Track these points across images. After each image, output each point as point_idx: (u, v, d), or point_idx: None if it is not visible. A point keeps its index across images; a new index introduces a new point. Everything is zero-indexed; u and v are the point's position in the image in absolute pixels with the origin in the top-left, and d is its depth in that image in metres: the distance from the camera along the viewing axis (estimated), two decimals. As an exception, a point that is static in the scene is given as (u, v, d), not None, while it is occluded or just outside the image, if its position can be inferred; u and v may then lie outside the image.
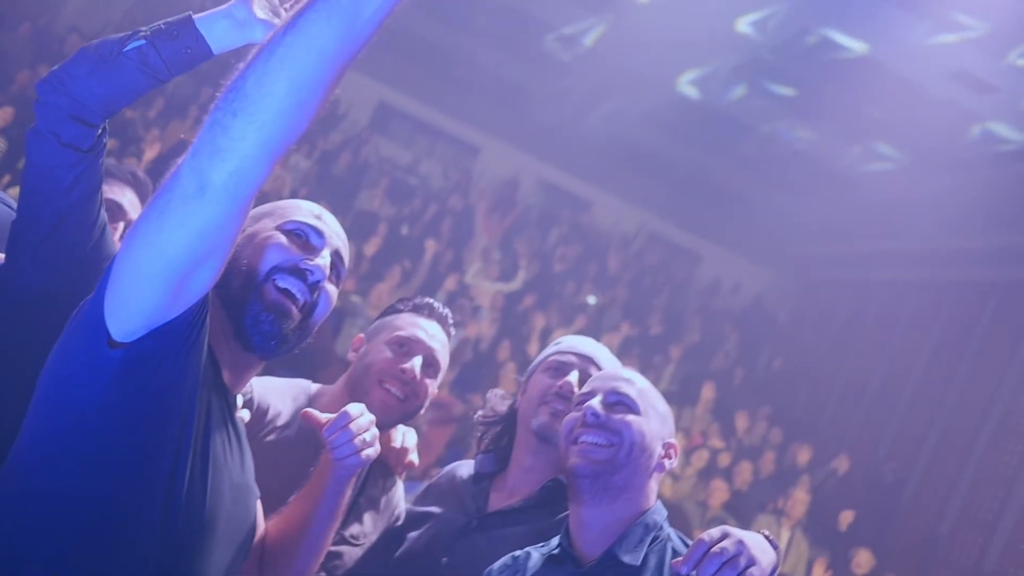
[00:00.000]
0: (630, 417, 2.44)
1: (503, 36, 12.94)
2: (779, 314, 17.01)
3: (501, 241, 14.76)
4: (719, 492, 9.83)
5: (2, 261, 2.46)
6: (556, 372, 2.91)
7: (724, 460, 10.86)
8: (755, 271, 17.54)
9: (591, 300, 14.07)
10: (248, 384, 2.69)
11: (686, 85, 12.57)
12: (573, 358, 2.92)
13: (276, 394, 2.87)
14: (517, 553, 2.51)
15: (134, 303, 1.69)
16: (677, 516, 8.98)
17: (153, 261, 1.65)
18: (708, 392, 12.46)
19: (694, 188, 15.65)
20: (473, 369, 10.72)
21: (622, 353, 12.74)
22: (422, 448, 8.09)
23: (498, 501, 2.87)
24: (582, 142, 15.10)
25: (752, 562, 2.05)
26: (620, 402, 2.46)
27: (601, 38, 11.93)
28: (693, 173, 15.21)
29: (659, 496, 2.55)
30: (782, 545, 6.23)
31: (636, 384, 2.53)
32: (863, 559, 9.25)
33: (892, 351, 13.44)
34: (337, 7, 1.50)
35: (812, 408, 14.18)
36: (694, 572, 2.05)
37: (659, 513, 2.45)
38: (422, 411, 2.94)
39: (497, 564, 2.51)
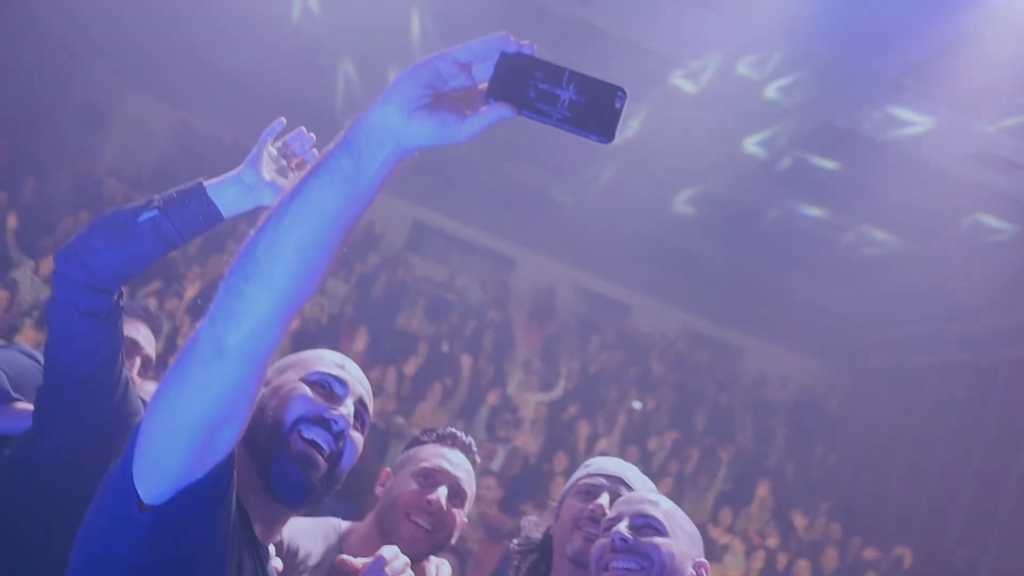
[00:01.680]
0: (658, 539, 2.41)
1: (528, 149, 13.15)
2: (830, 405, 16.78)
3: (542, 351, 14.75)
4: (781, 594, 9.59)
5: (27, 410, 2.53)
6: (587, 495, 2.89)
7: (782, 561, 10.60)
8: (801, 362, 17.39)
9: (636, 405, 13.97)
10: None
11: (716, 184, 12.71)
12: (603, 480, 2.90)
13: (306, 535, 2.87)
14: None
15: (161, 466, 1.70)
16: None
17: (177, 425, 1.66)
18: (763, 491, 12.25)
19: (732, 284, 15.64)
20: (522, 483, 10.63)
21: (672, 456, 12.60)
22: (475, 568, 7.99)
23: None
24: (617, 247, 15.23)
25: None
26: (647, 525, 2.44)
27: (630, 140, 12.11)
28: (729, 269, 15.23)
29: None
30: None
31: (662, 506, 2.51)
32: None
33: (949, 433, 13.18)
34: (340, 172, 1.52)
35: (872, 499, 13.86)
36: None
37: None
38: (453, 540, 2.92)
39: None
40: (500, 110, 1.47)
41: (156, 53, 13.90)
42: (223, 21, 12.21)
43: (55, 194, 13.24)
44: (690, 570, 2.44)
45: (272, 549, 2.20)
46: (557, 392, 13.32)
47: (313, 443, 2.05)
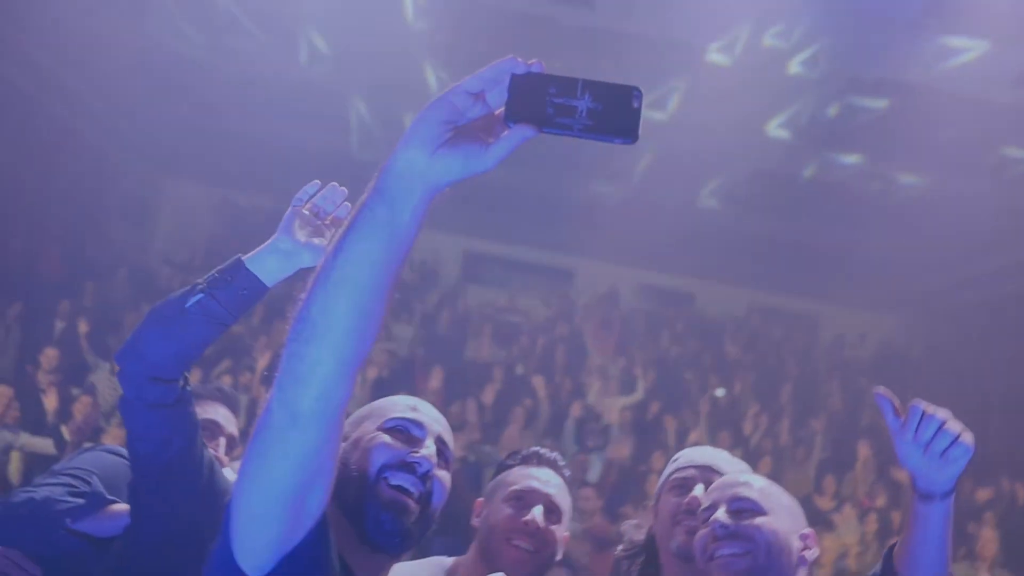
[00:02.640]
0: (758, 520, 2.38)
1: (567, 159, 13.16)
2: (912, 353, 16.48)
3: (615, 355, 14.70)
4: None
5: (124, 510, 2.59)
6: (681, 489, 2.87)
7: (896, 519, 10.42)
8: (876, 318, 17.12)
9: (719, 392, 13.85)
10: None
11: (755, 157, 12.62)
12: (693, 471, 2.88)
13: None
14: None
15: (259, 539, 1.74)
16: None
17: (266, 497, 1.69)
18: (864, 451, 12.05)
19: (791, 253, 15.47)
20: (621, 489, 10.59)
21: (764, 435, 12.47)
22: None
23: None
24: (669, 237, 15.11)
25: (961, 429, 2.18)
26: (744, 507, 2.42)
27: (673, 114, 12.06)
28: (786, 240, 15.08)
29: (846, 569, 2.50)
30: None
31: (756, 485, 2.49)
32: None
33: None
34: (377, 222, 1.54)
35: (974, 440, 13.56)
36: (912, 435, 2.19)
37: None
38: (558, 556, 2.92)
39: None
40: (521, 131, 1.47)
41: (186, 137, 14.16)
42: (241, 90, 12.44)
43: (115, 292, 13.53)
44: (796, 543, 2.41)
45: None
46: (638, 394, 13.26)
47: (401, 488, 2.07)
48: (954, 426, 2.20)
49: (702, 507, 2.54)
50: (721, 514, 2.41)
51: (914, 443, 2.22)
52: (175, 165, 16.08)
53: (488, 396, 11.82)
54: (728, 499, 2.45)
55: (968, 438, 2.20)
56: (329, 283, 1.57)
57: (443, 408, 11.54)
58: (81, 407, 9.16)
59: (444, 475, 2.18)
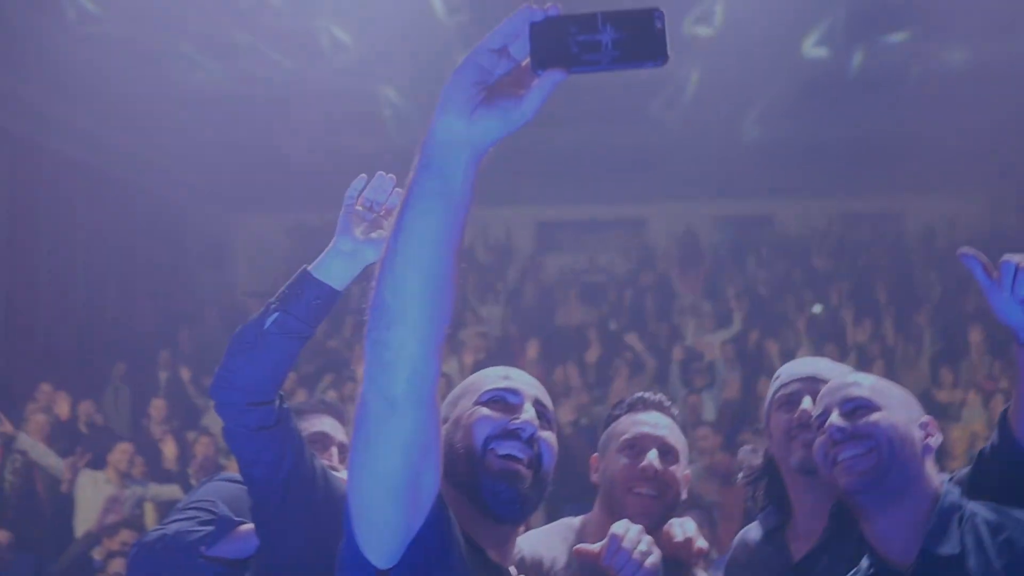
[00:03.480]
0: (874, 416, 2.34)
1: (610, 105, 13.03)
2: (1005, 231, 16.00)
3: (704, 292, 14.59)
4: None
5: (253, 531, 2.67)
6: (789, 405, 2.85)
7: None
8: (962, 203, 16.61)
9: (816, 309, 13.64)
10: (515, 547, 2.77)
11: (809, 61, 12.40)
12: (798, 384, 2.86)
13: (545, 543, 2.89)
14: None
15: (381, 529, 1.76)
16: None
17: (380, 487, 1.72)
18: (975, 336, 11.77)
19: (860, 152, 15.05)
20: (737, 422, 10.53)
21: (871, 340, 12.26)
22: (724, 515, 7.94)
23: (799, 549, 2.81)
24: (736, 161, 14.88)
25: None
26: (857, 406, 2.37)
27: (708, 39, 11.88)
28: (851, 139, 14.70)
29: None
30: None
31: (865, 383, 2.44)
32: None
33: None
34: (430, 195, 1.55)
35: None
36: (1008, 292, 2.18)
37: (952, 493, 2.34)
38: (683, 496, 2.91)
39: None
40: (551, 77, 1.47)
41: (241, 169, 14.35)
42: (278, 111, 12.58)
43: (208, 334, 13.84)
44: (917, 432, 2.37)
45: (513, 570, 2.26)
46: (735, 325, 13.15)
47: (510, 456, 2.08)
48: None
49: (814, 416, 2.51)
50: (835, 417, 2.37)
51: (1012, 299, 2.18)
52: (238, 200, 16.35)
53: (591, 357, 11.80)
54: (839, 401, 2.41)
55: None
56: (396, 266, 1.59)
57: (544, 377, 11.68)
58: (202, 447, 9.40)
59: (549, 435, 2.19)
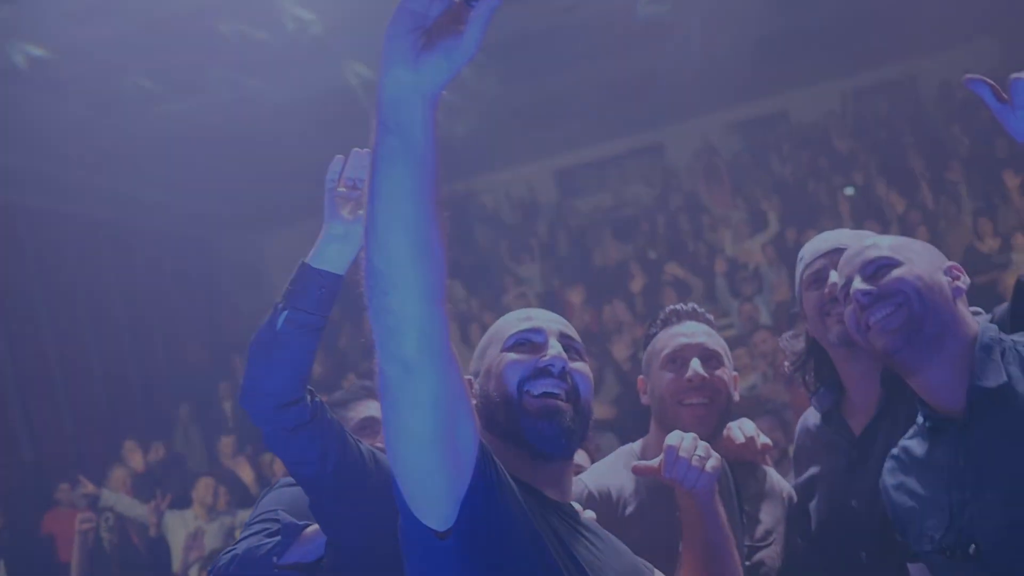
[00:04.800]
0: (896, 272, 2.32)
1: (601, 39, 12.88)
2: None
3: (734, 201, 14.45)
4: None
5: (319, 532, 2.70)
6: (817, 283, 2.85)
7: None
8: (975, 51, 16.23)
9: (848, 192, 13.45)
10: (580, 484, 2.78)
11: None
12: (822, 261, 2.85)
13: (609, 474, 2.92)
14: (894, 452, 2.42)
15: (429, 492, 1.77)
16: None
17: (416, 449, 1.72)
18: (1011, 181, 11.56)
19: (855, 24, 14.73)
20: (793, 321, 10.43)
21: (908, 208, 12.09)
22: (797, 413, 7.92)
23: (859, 423, 2.80)
24: (738, 65, 14.64)
25: None
26: (878, 267, 2.35)
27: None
28: (848, 14, 14.38)
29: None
30: None
31: (883, 243, 2.42)
32: None
33: None
34: (393, 154, 1.54)
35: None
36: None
37: (989, 330, 2.30)
38: (735, 397, 2.90)
39: (885, 471, 2.43)
40: (487, 4, 1.46)
41: (259, 184, 14.39)
42: (273, 123, 12.58)
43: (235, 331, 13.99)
44: (943, 278, 2.34)
45: (577, 505, 2.26)
46: (772, 227, 13.03)
47: (546, 394, 2.10)
48: None
49: (840, 288, 2.48)
50: (858, 283, 2.35)
51: None
52: (261, 220, 16.43)
53: (635, 287, 11.75)
54: (860, 267, 2.38)
55: None
56: (378, 231, 1.59)
57: (594, 320, 11.66)
58: (280, 465, 9.47)
59: (581, 366, 2.20)
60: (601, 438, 7.01)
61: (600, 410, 9.40)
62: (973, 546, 2.09)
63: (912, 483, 2.33)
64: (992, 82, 2.19)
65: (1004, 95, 2.17)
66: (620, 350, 9.55)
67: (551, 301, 12.60)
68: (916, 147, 13.97)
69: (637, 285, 11.82)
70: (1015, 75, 2.14)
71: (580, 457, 3.62)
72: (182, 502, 9.34)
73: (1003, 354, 2.24)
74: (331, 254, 2.59)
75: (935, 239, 11.14)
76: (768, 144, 16.13)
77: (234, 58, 11.32)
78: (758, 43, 14.21)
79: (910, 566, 2.42)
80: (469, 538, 1.79)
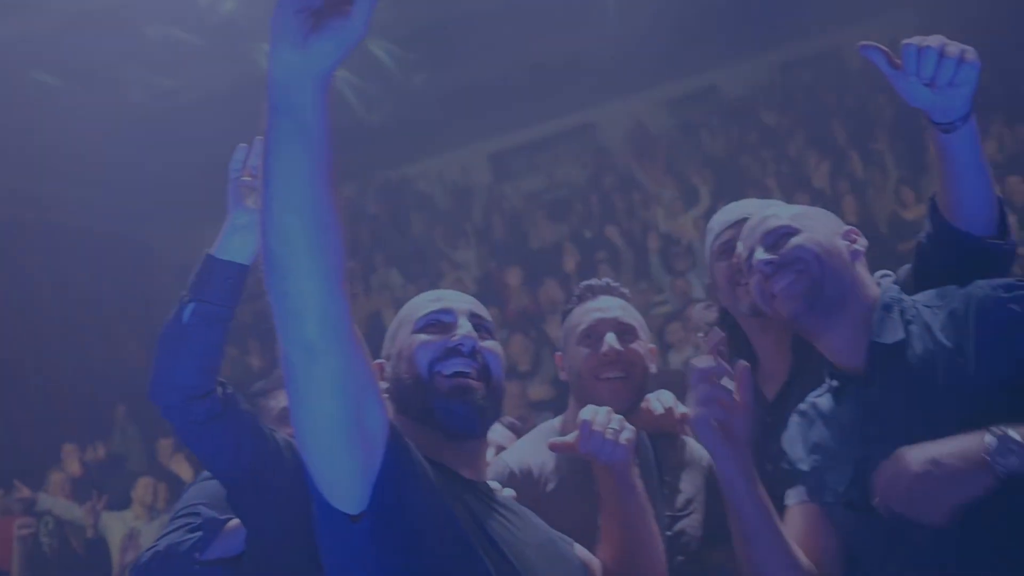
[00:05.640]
0: (795, 240, 2.37)
1: (517, 25, 12.89)
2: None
3: (667, 178, 14.52)
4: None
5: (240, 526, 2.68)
6: (725, 254, 2.89)
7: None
8: (891, 19, 16.35)
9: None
10: (503, 462, 2.79)
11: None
12: (730, 232, 2.90)
13: (530, 451, 2.94)
14: (802, 407, 2.47)
15: (339, 475, 1.78)
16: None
17: (323, 434, 1.72)
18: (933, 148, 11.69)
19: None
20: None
21: (837, 178, 12.22)
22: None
23: (771, 390, 2.85)
24: (666, 42, 14.66)
25: (961, 49, 2.14)
26: (779, 236, 2.40)
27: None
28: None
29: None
30: None
31: (782, 212, 2.48)
32: None
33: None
34: (285, 136, 1.54)
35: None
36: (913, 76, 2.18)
37: (890, 290, 2.37)
38: (652, 369, 2.93)
39: (789, 425, 2.48)
40: None
41: (198, 191, 14.22)
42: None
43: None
44: (842, 242, 2.39)
45: (495, 484, 2.27)
46: (703, 200, 13.09)
47: (457, 374, 2.11)
48: (953, 50, 2.15)
49: (744, 259, 2.52)
50: (760, 253, 2.40)
51: (918, 82, 2.18)
52: (196, 218, 16.19)
53: (569, 267, 11.75)
54: (760, 237, 2.43)
55: (971, 55, 2.14)
56: (274, 214, 1.58)
57: (531, 301, 11.66)
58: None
59: (491, 344, 2.22)
60: (539, 418, 7.03)
61: (538, 390, 9.49)
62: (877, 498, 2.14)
63: (816, 437, 2.39)
64: (885, 48, 2.22)
65: (897, 61, 2.21)
66: (556, 330, 9.52)
67: (488, 285, 12.60)
68: (842, 118, 14.14)
69: (570, 265, 11.83)
70: (905, 40, 2.18)
71: (507, 438, 3.65)
72: (121, 503, 9.23)
73: (902, 313, 2.30)
74: (236, 244, 2.57)
75: (863, 208, 11.32)
76: (699, 120, 16.22)
77: (148, 54, 11.19)
78: (681, 20, 14.26)
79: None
80: (382, 521, 1.81)
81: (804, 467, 2.38)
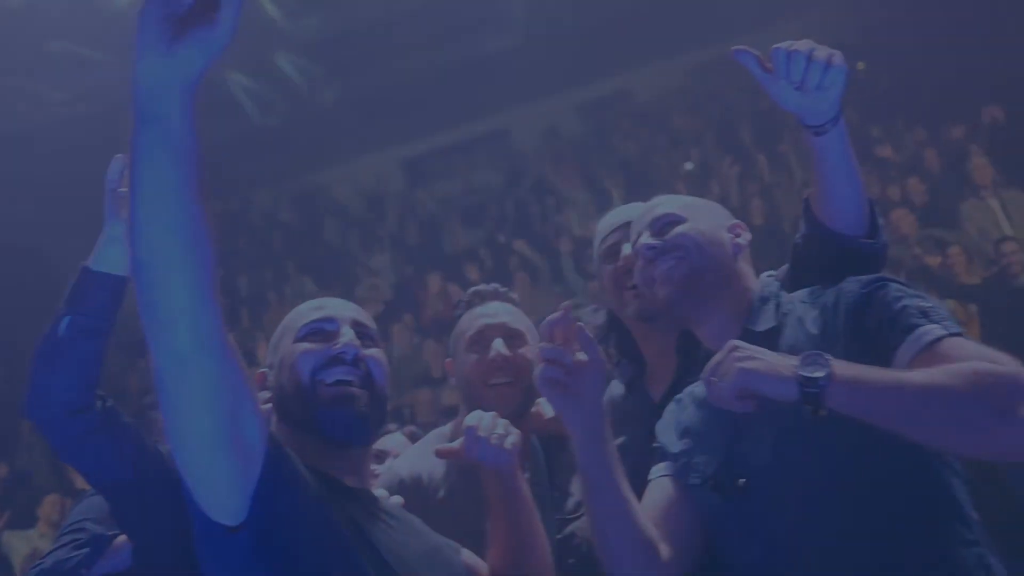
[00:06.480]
0: (679, 228, 2.42)
1: (422, 31, 12.90)
2: (850, 41, 16.15)
3: (581, 181, 14.62)
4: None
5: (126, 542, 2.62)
6: (611, 257, 2.91)
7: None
8: (806, 24, 16.66)
9: (688, 167, 13.74)
10: (393, 470, 2.77)
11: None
12: (616, 236, 2.92)
13: (420, 457, 2.93)
14: (678, 397, 2.52)
15: (216, 486, 1.75)
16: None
17: (197, 445, 1.69)
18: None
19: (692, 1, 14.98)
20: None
21: (744, 179, 12.40)
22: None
23: (658, 391, 2.86)
24: (570, 47, 14.72)
25: (829, 54, 2.18)
26: (664, 224, 2.44)
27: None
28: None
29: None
30: None
31: (672, 202, 2.52)
32: None
33: None
34: (152, 145, 1.51)
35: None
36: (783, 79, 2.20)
37: (770, 285, 2.44)
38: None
39: (665, 415, 2.52)
40: None
41: (91, 202, 13.93)
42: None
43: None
44: (727, 235, 2.45)
45: (383, 492, 2.26)
46: (616, 204, 13.17)
47: (339, 382, 2.10)
48: (821, 54, 2.18)
49: (632, 249, 2.55)
50: (645, 238, 2.45)
51: (788, 85, 2.21)
52: (93, 228, 15.85)
53: (472, 274, 11.75)
54: (648, 224, 2.48)
55: (838, 59, 2.19)
56: (141, 223, 1.54)
57: (447, 304, 11.63)
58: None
59: (375, 352, 2.21)
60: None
61: (451, 396, 9.46)
62: (743, 480, 2.18)
63: (688, 421, 2.43)
64: (757, 52, 2.26)
65: (768, 65, 2.25)
66: (469, 335, 9.51)
67: (404, 291, 12.56)
68: (751, 120, 14.37)
69: (473, 272, 11.80)
70: (776, 45, 2.22)
71: (400, 443, 3.63)
72: (26, 521, 8.98)
73: (779, 306, 2.36)
74: (112, 256, 2.51)
75: (771, 209, 11.50)
76: (612, 123, 16.36)
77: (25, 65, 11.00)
78: (590, 25, 14.38)
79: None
80: (262, 531, 1.79)
81: (674, 450, 2.41)
